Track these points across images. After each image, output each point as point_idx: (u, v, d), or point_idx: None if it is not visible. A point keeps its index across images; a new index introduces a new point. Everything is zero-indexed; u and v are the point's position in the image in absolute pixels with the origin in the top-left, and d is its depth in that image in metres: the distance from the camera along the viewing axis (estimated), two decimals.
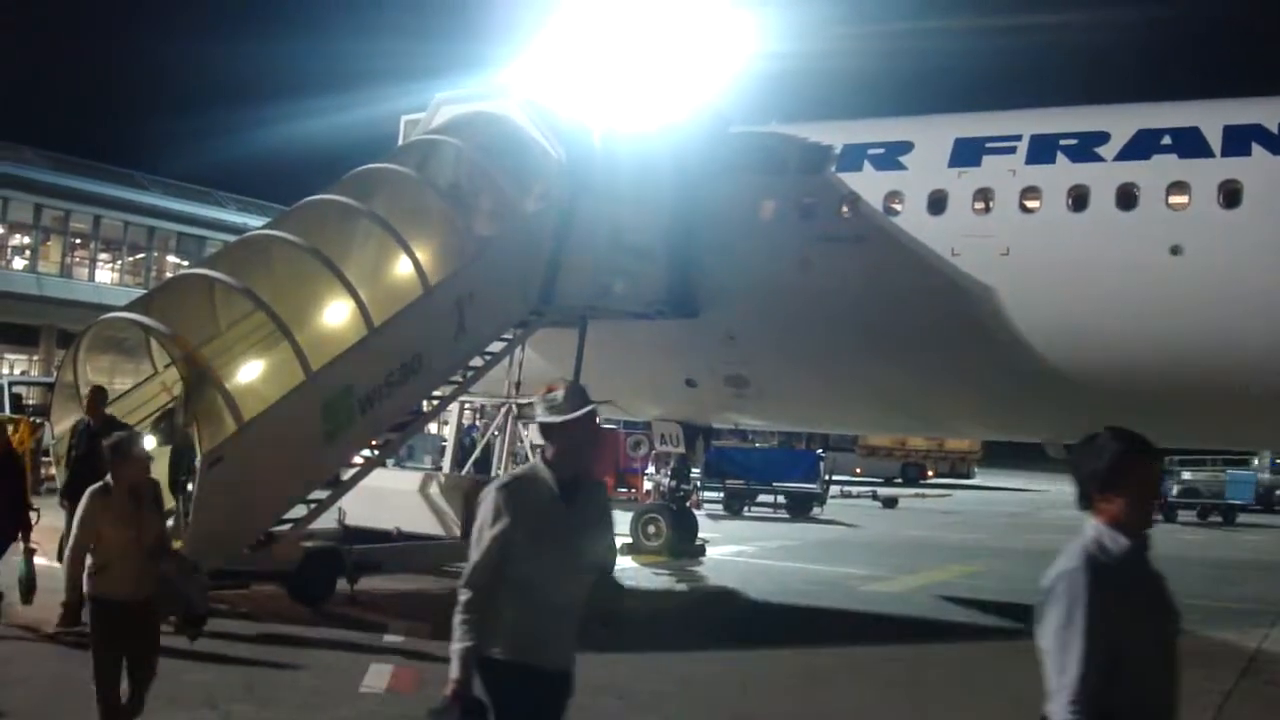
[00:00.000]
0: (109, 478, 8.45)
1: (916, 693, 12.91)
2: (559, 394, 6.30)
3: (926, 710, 12.12)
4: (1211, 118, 17.95)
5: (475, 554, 5.85)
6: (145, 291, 28.92)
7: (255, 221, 41.55)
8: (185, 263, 49.76)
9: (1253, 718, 12.24)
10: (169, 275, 46.61)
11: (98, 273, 56.82)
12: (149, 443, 13.86)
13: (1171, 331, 17.49)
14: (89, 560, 8.24)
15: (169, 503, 14.36)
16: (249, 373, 16.36)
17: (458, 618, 5.73)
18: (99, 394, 15.03)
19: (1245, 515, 43.85)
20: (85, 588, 8.23)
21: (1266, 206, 17.18)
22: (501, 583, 5.79)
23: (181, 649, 9.86)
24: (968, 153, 19.11)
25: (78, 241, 56.51)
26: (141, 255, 57.97)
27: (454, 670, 5.62)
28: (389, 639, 13.71)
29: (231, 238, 36.01)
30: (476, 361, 18.57)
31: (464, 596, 5.79)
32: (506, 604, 5.80)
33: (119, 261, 57.67)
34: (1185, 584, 23.59)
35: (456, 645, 5.69)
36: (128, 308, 16.69)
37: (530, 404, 20.90)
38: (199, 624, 9.80)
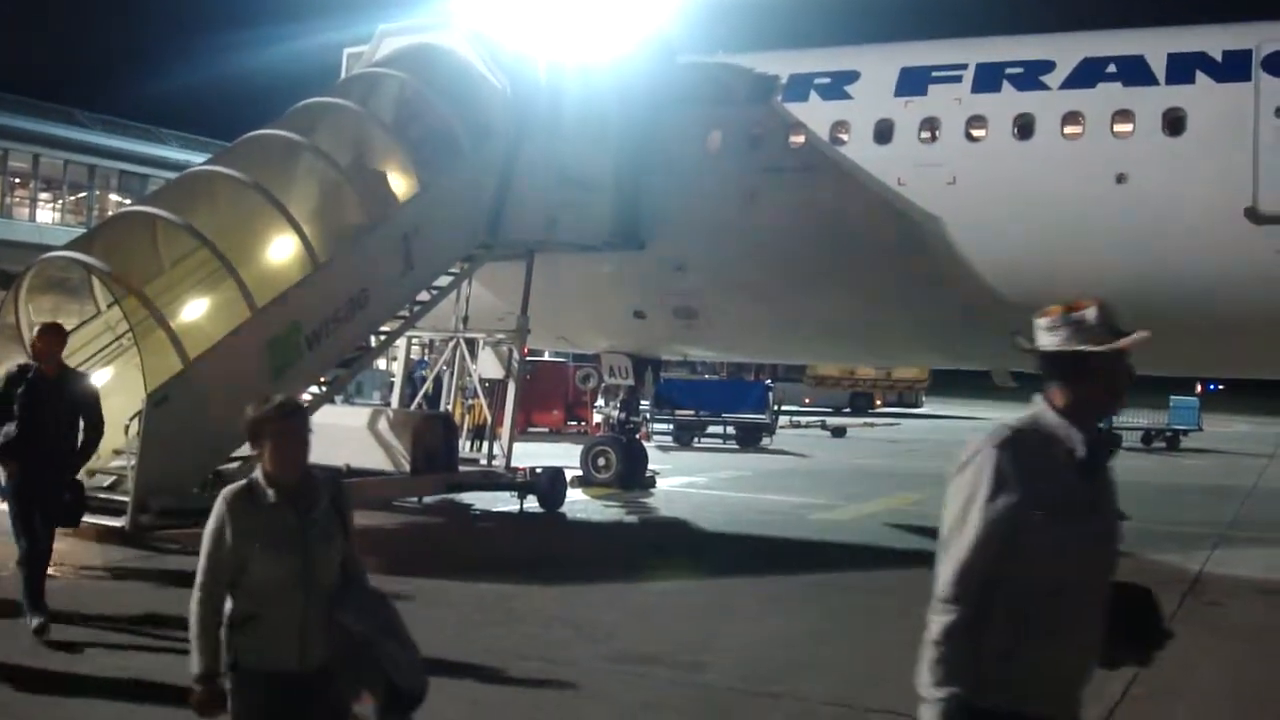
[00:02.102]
0: (257, 473, 5.44)
1: (868, 618, 13.03)
2: (1090, 312, 4.38)
3: (878, 634, 12.22)
4: (1156, 46, 18.00)
5: (959, 546, 4.08)
6: (87, 230, 28.59)
7: (198, 158, 41.03)
8: (127, 201, 49.19)
9: (1196, 638, 12.40)
10: (111, 214, 46.10)
11: (38, 212, 56.13)
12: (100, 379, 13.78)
13: (1116, 259, 17.60)
14: (227, 609, 5.22)
15: (117, 441, 14.29)
16: (194, 310, 16.24)
17: (935, 651, 3.92)
18: (55, 334, 11.36)
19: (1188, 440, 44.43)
20: (224, 653, 5.19)
21: (1209, 134, 17.27)
22: (1006, 595, 3.99)
23: None
24: (914, 82, 19.09)
25: (17, 181, 55.81)
26: (83, 194, 57.30)
27: None
28: None
29: (174, 175, 35.57)
30: (424, 296, 18.51)
31: (947, 618, 3.95)
32: (1016, 628, 3.99)
33: (60, 200, 56.98)
34: (1130, 508, 23.94)
35: (936, 695, 3.89)
36: (69, 246, 16.52)
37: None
38: (408, 708, 5.73)
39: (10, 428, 10.68)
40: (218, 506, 5.23)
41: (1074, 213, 17.79)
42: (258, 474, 5.38)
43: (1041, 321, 4.35)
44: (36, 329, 10.97)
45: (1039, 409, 4.31)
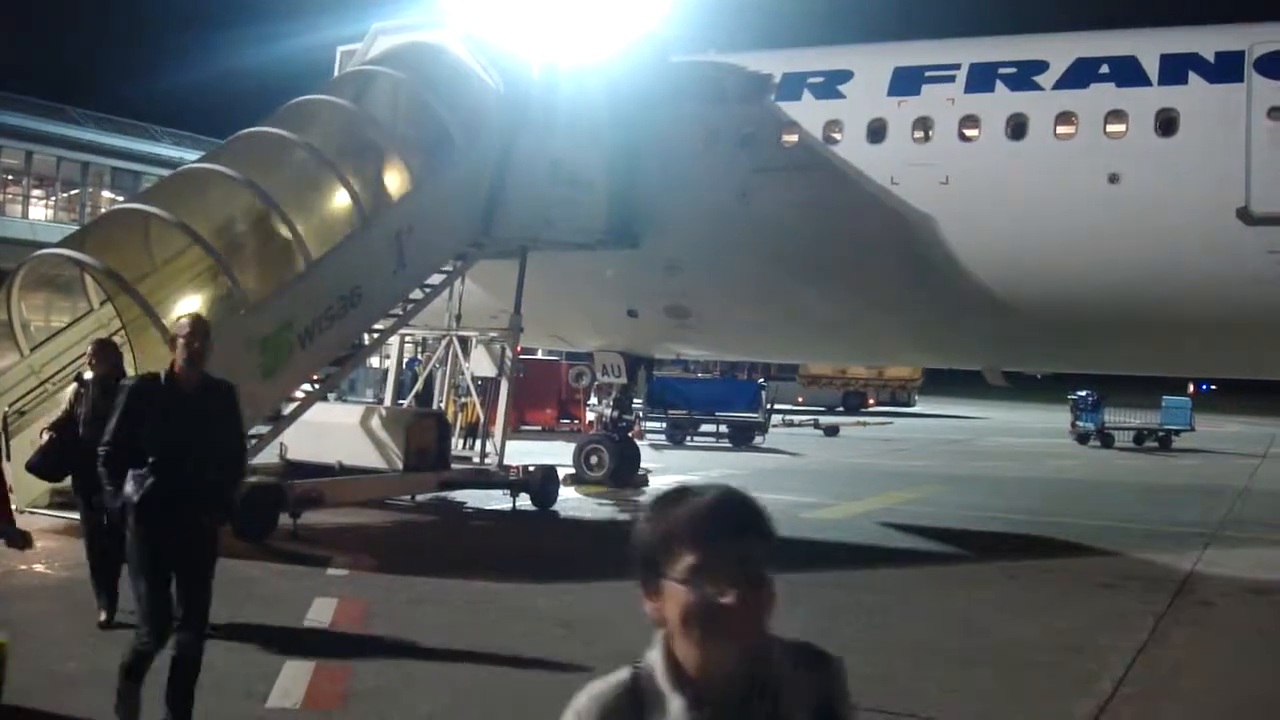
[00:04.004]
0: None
1: (859, 616, 13.05)
2: None
3: (869, 632, 12.26)
4: (1149, 46, 18.03)
5: None
6: (80, 227, 28.55)
7: (191, 155, 41.07)
8: (120, 198, 49.11)
9: (1186, 637, 12.46)
10: (104, 210, 46.05)
11: (31, 209, 56.04)
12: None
13: (1108, 259, 17.64)
14: None
15: None
16: (186, 307, 16.22)
17: None
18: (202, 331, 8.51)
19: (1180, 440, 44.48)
20: None
21: (1202, 135, 17.30)
22: None
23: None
24: (907, 81, 19.11)
25: (10, 178, 55.72)
26: (75, 191, 57.21)
27: None
28: (333, 573, 13.70)
29: (167, 172, 35.57)
30: (416, 294, 18.52)
31: None
32: None
33: (53, 197, 56.90)
34: (1123, 508, 23.98)
35: None
36: (62, 244, 16.49)
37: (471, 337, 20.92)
38: None
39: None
40: None
41: (1066, 213, 17.82)
42: None
43: None
44: (181, 324, 8.18)
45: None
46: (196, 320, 8.24)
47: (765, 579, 2.66)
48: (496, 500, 20.09)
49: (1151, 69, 17.71)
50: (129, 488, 7.78)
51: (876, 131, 19.02)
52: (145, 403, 7.96)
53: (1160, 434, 43.99)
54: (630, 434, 26.57)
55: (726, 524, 2.63)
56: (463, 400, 23.81)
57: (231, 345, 15.03)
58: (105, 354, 11.40)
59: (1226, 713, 10.24)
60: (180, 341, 8.00)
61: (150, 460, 7.78)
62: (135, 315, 15.18)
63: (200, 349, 8.04)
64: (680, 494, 2.70)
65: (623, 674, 2.67)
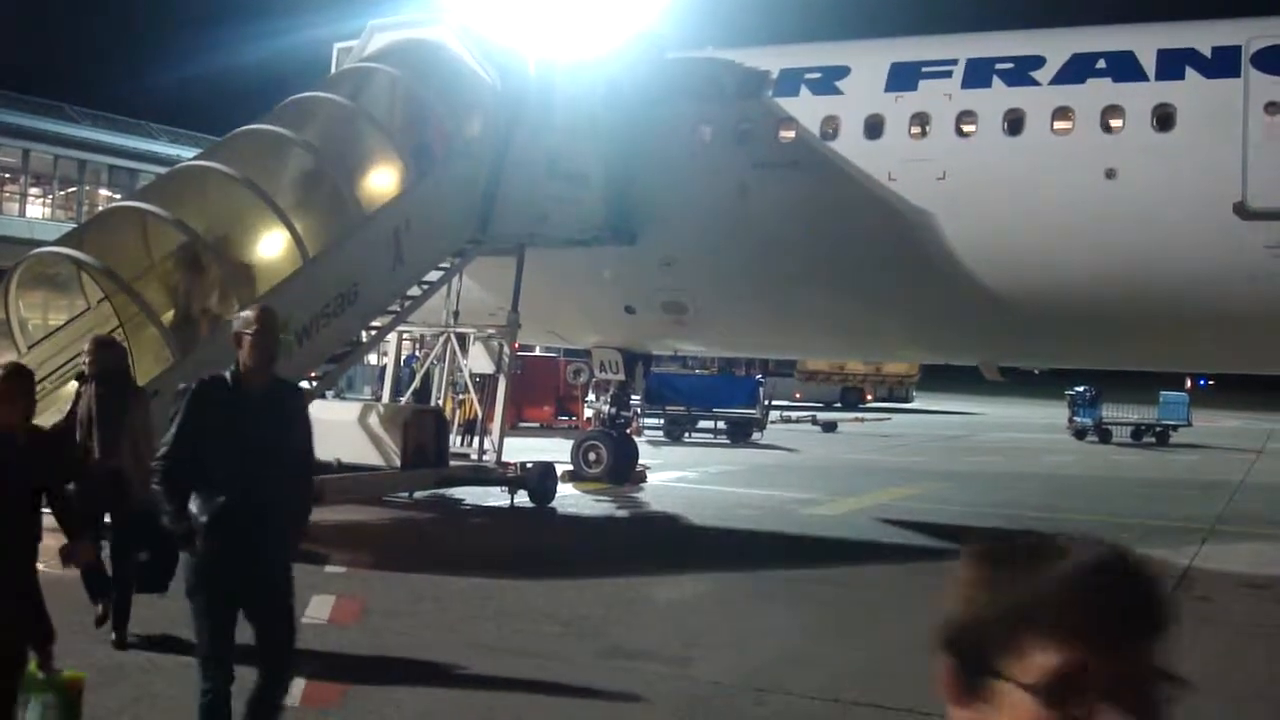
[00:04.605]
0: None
1: (857, 613, 13.08)
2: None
3: (867, 629, 12.28)
4: (1146, 41, 18.04)
5: None
6: (77, 225, 28.54)
7: (188, 153, 40.99)
8: (117, 196, 49.03)
9: (1183, 632, 12.46)
10: (101, 208, 46.01)
11: (28, 207, 56.01)
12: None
13: (1106, 254, 17.66)
14: None
15: None
16: (184, 305, 16.22)
17: None
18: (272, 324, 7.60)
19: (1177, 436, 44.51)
20: None
21: (1199, 130, 17.32)
22: None
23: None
24: (904, 77, 19.11)
25: (7, 176, 55.70)
26: (73, 189, 57.18)
27: None
28: (331, 570, 13.69)
29: (164, 170, 35.53)
30: (414, 291, 18.50)
31: None
32: None
33: (50, 195, 56.87)
34: (1120, 503, 23.97)
35: None
36: (59, 242, 16.50)
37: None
38: None
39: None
40: None
41: (1063, 208, 17.83)
42: None
43: None
44: (247, 318, 7.25)
45: None
46: (266, 314, 7.30)
47: (1161, 704, 1.74)
48: (495, 497, 20.10)
49: (1148, 64, 17.71)
50: (193, 508, 6.81)
51: (874, 127, 19.03)
52: (208, 409, 6.98)
53: (1158, 429, 43.99)
54: (628, 430, 26.59)
55: (1124, 610, 1.75)
56: (461, 397, 23.79)
57: (229, 341, 15.07)
58: (103, 352, 10.84)
59: (1223, 707, 10.24)
60: (247, 339, 7.08)
61: (217, 476, 6.84)
62: (133, 313, 15.18)
63: (271, 347, 7.15)
64: (1039, 548, 1.78)
65: None
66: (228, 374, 7.10)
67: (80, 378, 11.26)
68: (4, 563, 6.73)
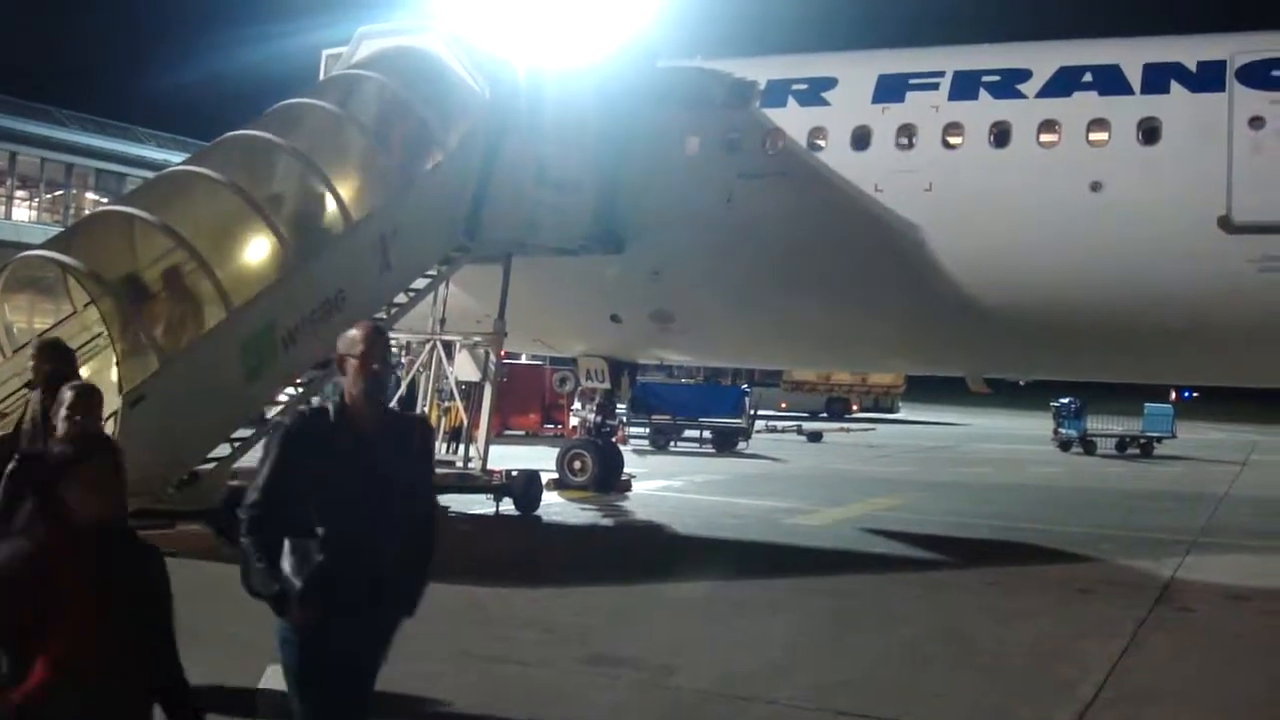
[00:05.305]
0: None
1: (839, 622, 13.09)
2: None
3: (851, 638, 12.30)
4: (1132, 56, 18.12)
5: None
6: (64, 229, 28.49)
7: (175, 158, 40.98)
8: (104, 200, 49.03)
9: (1166, 644, 12.51)
10: (88, 212, 45.91)
11: (15, 210, 55.91)
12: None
13: (1090, 267, 17.72)
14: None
15: None
16: (170, 310, 16.18)
17: None
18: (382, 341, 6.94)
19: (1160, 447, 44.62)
20: None
21: (1184, 143, 17.39)
22: None
23: None
24: (891, 89, 19.17)
25: None
26: (60, 192, 57.10)
27: None
28: None
29: (151, 174, 35.50)
30: (401, 298, 18.49)
31: None
32: None
33: (36, 199, 56.78)
34: (1105, 515, 24.03)
35: None
36: (46, 246, 16.44)
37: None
38: None
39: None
40: None
41: (1049, 220, 17.90)
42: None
43: None
44: (353, 337, 6.15)
45: None
46: (374, 332, 6.14)
47: None
48: (480, 505, 20.07)
49: (1134, 78, 17.80)
50: (287, 567, 5.64)
51: (861, 138, 19.08)
52: (307, 450, 5.78)
53: (1142, 441, 44.14)
54: (614, 439, 26.59)
55: None
56: (446, 405, 23.80)
57: (215, 347, 15.06)
58: (48, 356, 9.82)
59: (1207, 718, 10.28)
60: (353, 362, 5.94)
61: (319, 530, 5.65)
62: (119, 318, 15.13)
63: (383, 371, 6.03)
64: None
65: None
66: (330, 406, 5.95)
67: (29, 384, 10.32)
68: None
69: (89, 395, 7.84)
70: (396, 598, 5.88)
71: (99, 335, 15.87)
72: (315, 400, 15.95)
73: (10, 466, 6.29)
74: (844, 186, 18.92)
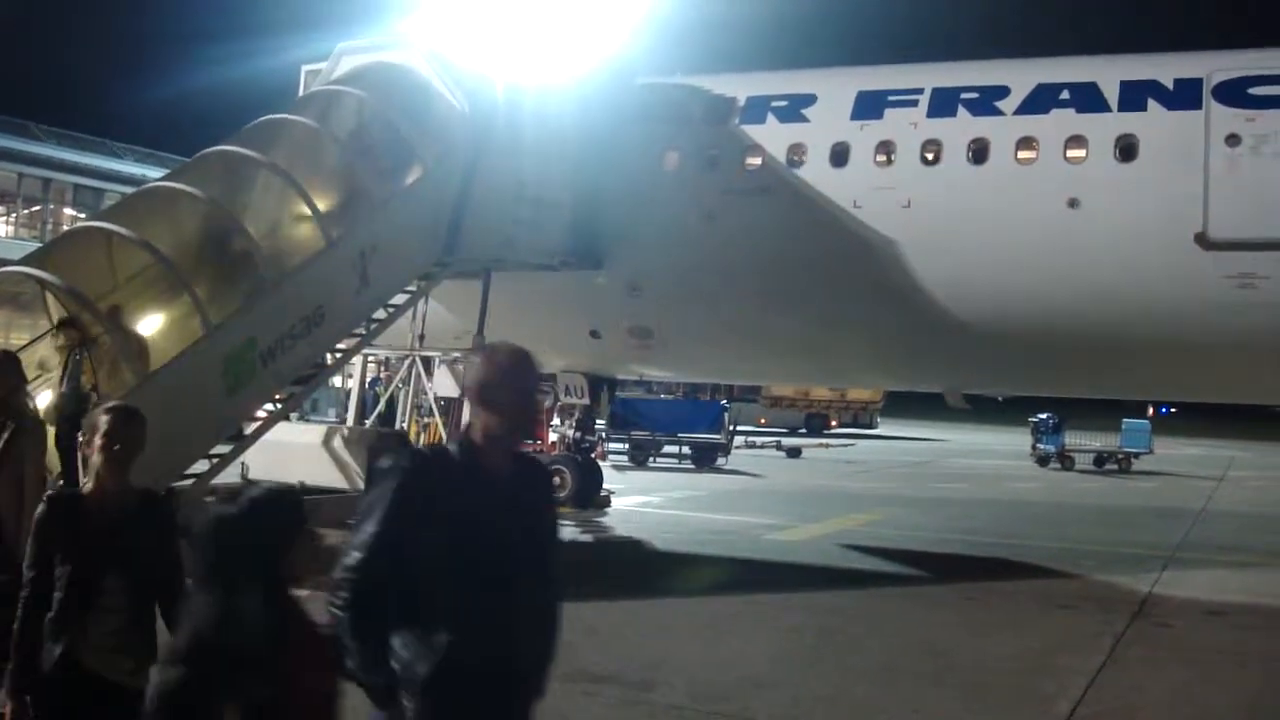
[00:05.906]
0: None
1: (820, 638, 13.10)
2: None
3: (829, 653, 12.31)
4: (1109, 73, 18.21)
5: None
6: (41, 244, 28.39)
7: (154, 173, 40.91)
8: (82, 215, 48.83)
9: (1144, 658, 12.55)
10: (65, 228, 45.72)
11: None
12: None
13: (1068, 283, 17.77)
14: None
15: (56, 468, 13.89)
16: (149, 327, 16.14)
17: None
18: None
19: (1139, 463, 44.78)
20: None
21: (1161, 161, 17.47)
22: None
23: None
24: (870, 105, 19.22)
25: None
26: (37, 208, 56.87)
27: None
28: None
29: (130, 189, 35.40)
30: (380, 314, 18.47)
31: None
32: None
33: (14, 214, 56.56)
34: (1082, 530, 24.08)
35: None
36: (23, 261, 16.37)
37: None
38: None
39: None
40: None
41: (1027, 236, 17.95)
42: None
43: None
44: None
45: None
46: (519, 355, 5.04)
47: None
48: None
49: (1111, 95, 17.88)
50: (403, 651, 4.56)
51: (840, 155, 19.11)
52: (426, 501, 4.58)
53: (1120, 457, 44.34)
54: (593, 455, 26.59)
55: None
56: (425, 420, 23.78)
57: (194, 363, 15.01)
58: None
59: None
60: (501, 398, 4.82)
61: (439, 602, 4.54)
62: (97, 334, 15.09)
63: (533, 408, 5.11)
64: None
65: None
66: (454, 447, 4.80)
67: None
68: None
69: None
70: (533, 687, 4.90)
71: (73, 352, 15.82)
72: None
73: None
74: (823, 203, 18.94)
